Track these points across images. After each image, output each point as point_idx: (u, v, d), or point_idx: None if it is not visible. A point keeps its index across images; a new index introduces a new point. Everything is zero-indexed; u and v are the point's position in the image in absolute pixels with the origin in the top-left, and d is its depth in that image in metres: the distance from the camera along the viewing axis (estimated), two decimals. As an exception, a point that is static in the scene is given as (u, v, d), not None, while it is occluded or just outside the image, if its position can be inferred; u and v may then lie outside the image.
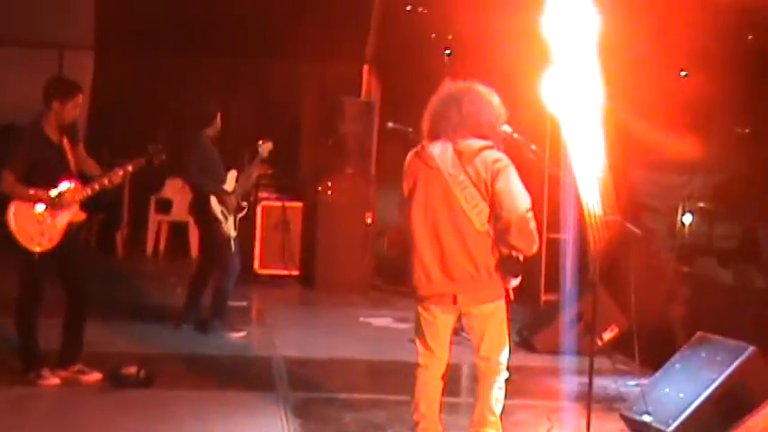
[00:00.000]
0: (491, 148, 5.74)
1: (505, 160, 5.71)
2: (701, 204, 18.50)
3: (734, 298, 14.34)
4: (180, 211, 14.05)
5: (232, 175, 9.72)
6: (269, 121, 13.05)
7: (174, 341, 9.20)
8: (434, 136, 5.83)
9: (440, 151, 5.77)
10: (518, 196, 5.64)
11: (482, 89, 5.86)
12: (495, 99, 5.87)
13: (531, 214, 5.65)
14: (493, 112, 5.83)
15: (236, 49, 13.73)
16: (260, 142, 9.86)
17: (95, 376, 7.68)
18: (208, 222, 9.54)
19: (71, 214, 7.52)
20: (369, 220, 12.28)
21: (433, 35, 15.80)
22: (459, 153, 5.72)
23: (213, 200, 9.47)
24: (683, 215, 17.62)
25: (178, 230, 14.17)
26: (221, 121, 9.72)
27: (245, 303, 10.75)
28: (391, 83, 14.32)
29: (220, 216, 9.48)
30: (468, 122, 5.75)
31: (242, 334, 9.54)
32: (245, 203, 9.92)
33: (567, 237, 10.72)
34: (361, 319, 10.80)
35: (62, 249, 7.48)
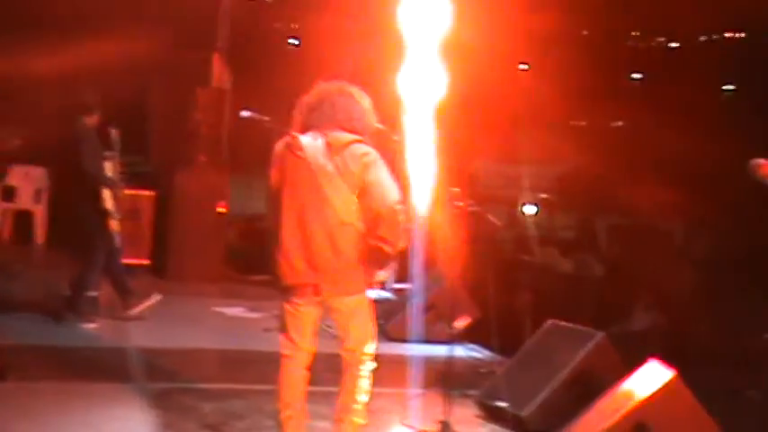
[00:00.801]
0: (361, 142, 5.83)
1: (374, 154, 5.81)
2: (543, 195, 19.10)
3: (575, 286, 14.85)
4: (25, 199, 13.80)
5: (107, 166, 9.59)
6: (119, 111, 12.84)
7: (26, 332, 9.00)
8: (306, 128, 5.90)
9: (310, 142, 5.83)
10: (388, 189, 5.75)
11: (355, 90, 6.00)
12: (367, 100, 6.01)
13: (400, 207, 5.76)
14: (364, 110, 5.97)
15: (84, 36, 13.47)
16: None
17: (-54, 370, 7.50)
18: (98, 216, 9.38)
19: None
20: (221, 210, 12.25)
21: (277, 24, 15.88)
22: (329, 144, 5.80)
23: (107, 193, 9.34)
24: (525, 206, 18.15)
25: (22, 219, 13.88)
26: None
27: (96, 293, 10.58)
28: (242, 71, 14.31)
29: (112, 209, 9.37)
30: (340, 116, 5.86)
31: (95, 325, 9.43)
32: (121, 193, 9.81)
33: (418, 227, 10.90)
34: (215, 308, 10.78)
35: None
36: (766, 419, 6.91)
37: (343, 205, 5.74)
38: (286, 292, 5.92)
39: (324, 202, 5.76)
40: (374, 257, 5.78)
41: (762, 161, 7.07)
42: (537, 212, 17.95)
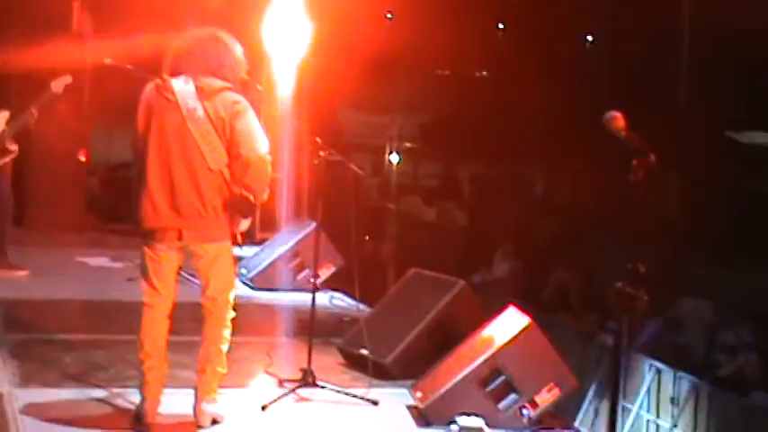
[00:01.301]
0: (231, 89, 5.81)
1: (245, 102, 5.80)
2: (408, 144, 19.26)
3: (438, 234, 15.08)
4: None
5: (2, 116, 9.27)
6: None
7: None
8: (176, 73, 5.84)
9: (181, 86, 5.77)
10: (258, 137, 5.75)
11: (226, 36, 5.93)
12: (238, 47, 5.95)
13: (269, 158, 5.77)
14: (236, 58, 5.92)
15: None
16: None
17: None
18: None
19: None
20: (82, 158, 12.06)
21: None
22: (199, 89, 5.75)
23: None
24: (390, 154, 18.30)
25: None
26: None
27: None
28: (103, 17, 14.01)
29: None
30: (212, 63, 5.81)
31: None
32: (14, 147, 9.43)
33: (283, 176, 10.95)
34: (77, 258, 10.65)
35: None
36: (617, 364, 7.14)
37: (212, 152, 5.71)
38: (148, 236, 5.85)
39: (192, 146, 5.71)
40: (238, 206, 5.78)
41: (616, 113, 7.26)
42: (400, 161, 18.12)
